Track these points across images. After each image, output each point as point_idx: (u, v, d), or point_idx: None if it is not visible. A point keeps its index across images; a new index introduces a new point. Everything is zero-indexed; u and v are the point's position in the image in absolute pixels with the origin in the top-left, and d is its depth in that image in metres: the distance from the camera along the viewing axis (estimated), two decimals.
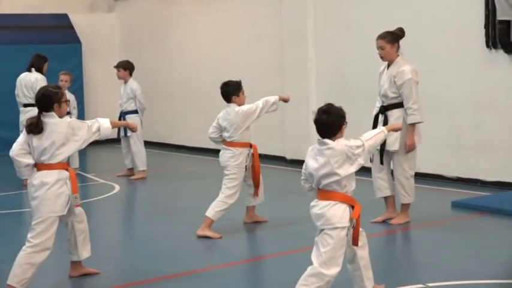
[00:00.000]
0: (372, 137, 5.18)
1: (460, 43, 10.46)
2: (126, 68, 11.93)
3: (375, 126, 7.84)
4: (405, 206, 8.13)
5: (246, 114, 7.83)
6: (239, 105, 7.86)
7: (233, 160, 7.81)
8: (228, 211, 7.87)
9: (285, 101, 8.34)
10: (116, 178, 11.90)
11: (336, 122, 5.05)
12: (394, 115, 7.87)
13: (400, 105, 7.85)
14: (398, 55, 7.90)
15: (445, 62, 10.62)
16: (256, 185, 8.05)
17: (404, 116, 7.82)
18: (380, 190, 8.17)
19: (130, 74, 11.94)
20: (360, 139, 5.10)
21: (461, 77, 10.49)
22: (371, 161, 7.99)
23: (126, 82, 11.95)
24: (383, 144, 7.72)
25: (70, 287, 6.24)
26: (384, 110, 7.95)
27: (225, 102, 7.96)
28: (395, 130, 5.69)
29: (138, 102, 11.86)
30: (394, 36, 7.85)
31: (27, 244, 5.84)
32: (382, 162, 8.01)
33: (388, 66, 7.93)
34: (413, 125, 7.81)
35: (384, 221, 8.08)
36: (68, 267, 6.39)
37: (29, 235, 5.87)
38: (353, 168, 5.03)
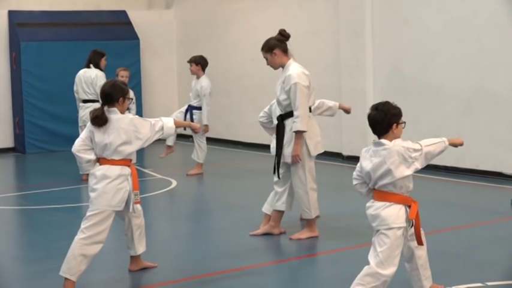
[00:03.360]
0: (432, 144, 5.03)
1: None
2: (198, 63, 11.91)
3: (281, 135, 7.42)
4: (310, 221, 7.56)
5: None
6: None
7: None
8: None
9: (346, 111, 8.29)
10: (173, 174, 11.98)
11: (384, 119, 4.97)
12: (289, 125, 7.36)
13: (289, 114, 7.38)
14: (289, 58, 7.48)
15: (505, 57, 10.46)
16: None
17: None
18: (268, 204, 7.76)
19: (203, 70, 11.93)
20: (419, 143, 5.01)
21: None
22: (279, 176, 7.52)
23: (198, 77, 11.95)
24: (278, 157, 7.42)
25: (129, 280, 6.32)
26: (281, 119, 7.43)
27: None
28: (456, 145, 5.19)
29: (204, 102, 11.79)
30: (272, 44, 7.43)
31: (79, 234, 5.89)
32: (279, 177, 7.52)
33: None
34: (298, 133, 7.27)
35: (264, 234, 7.65)
36: (127, 261, 6.48)
37: (82, 225, 5.92)
38: (409, 171, 4.95)
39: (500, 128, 10.58)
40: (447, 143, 5.10)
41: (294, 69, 7.35)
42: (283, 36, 7.53)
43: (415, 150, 4.97)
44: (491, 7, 10.62)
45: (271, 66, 7.55)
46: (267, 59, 7.50)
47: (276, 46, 7.45)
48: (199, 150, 12.01)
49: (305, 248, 7.33)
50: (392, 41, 12.19)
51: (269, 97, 8.05)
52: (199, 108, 11.85)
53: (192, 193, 11.19)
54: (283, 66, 7.46)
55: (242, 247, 7.29)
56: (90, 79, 11.62)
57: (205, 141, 12.05)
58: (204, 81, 11.85)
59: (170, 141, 12.14)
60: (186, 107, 12.00)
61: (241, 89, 15.78)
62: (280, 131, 7.46)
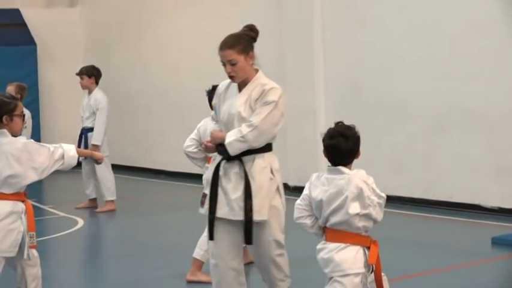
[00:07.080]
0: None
1: (500, 43, 10.45)
2: (91, 74, 11.87)
3: (214, 188, 5.97)
4: None
5: None
6: None
7: None
8: None
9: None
10: (79, 211, 11.87)
11: (355, 146, 5.03)
12: (258, 162, 5.96)
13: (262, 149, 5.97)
14: (257, 69, 6.33)
15: (481, 66, 10.60)
16: None
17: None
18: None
19: (97, 83, 11.88)
20: (382, 194, 5.04)
21: (502, 84, 10.47)
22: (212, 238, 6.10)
23: (90, 92, 11.87)
24: (247, 217, 5.85)
25: None
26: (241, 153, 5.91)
27: None
28: None
29: (98, 117, 11.67)
30: (247, 41, 6.21)
31: None
32: (251, 242, 5.97)
33: (240, 86, 6.20)
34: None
35: None
36: None
37: None
38: (359, 210, 4.95)
39: (476, 151, 10.70)
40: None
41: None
42: (254, 33, 6.41)
43: (378, 197, 5.00)
44: (464, 5, 10.76)
45: (236, 76, 6.13)
46: (235, 63, 6.08)
47: (252, 47, 6.24)
48: (103, 186, 11.84)
49: None
50: (346, 46, 12.29)
51: (199, 115, 7.99)
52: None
53: (102, 234, 11.11)
54: (248, 77, 6.23)
55: None
56: None
57: (109, 173, 11.92)
58: (98, 93, 11.83)
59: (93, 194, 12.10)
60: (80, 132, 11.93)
61: (164, 106, 15.72)
62: (236, 172, 5.98)
